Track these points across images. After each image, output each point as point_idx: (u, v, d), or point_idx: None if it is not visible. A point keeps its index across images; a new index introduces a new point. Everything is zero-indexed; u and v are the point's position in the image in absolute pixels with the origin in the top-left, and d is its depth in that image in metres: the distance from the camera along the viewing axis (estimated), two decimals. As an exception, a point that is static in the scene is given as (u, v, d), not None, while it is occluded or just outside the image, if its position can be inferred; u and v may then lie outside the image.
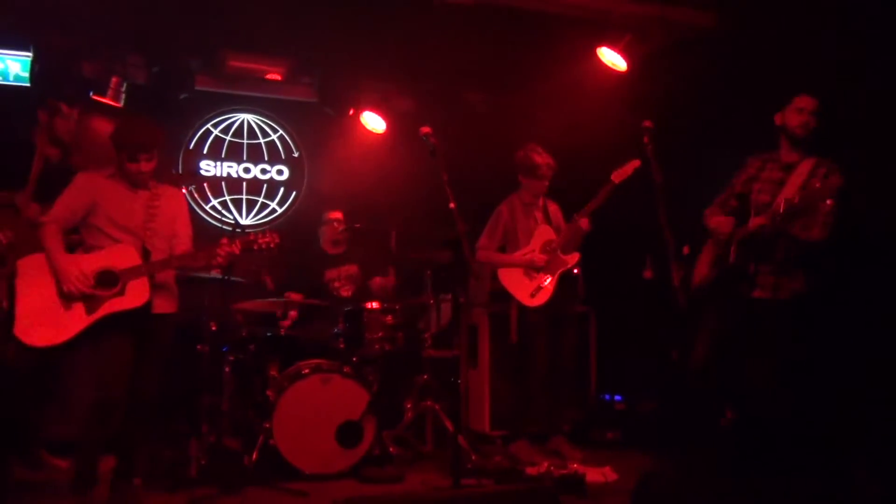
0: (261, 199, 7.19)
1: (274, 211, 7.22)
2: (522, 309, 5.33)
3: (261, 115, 7.23)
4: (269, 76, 6.68)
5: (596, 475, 4.53)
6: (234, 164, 7.11)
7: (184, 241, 4.18)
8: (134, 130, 4.03)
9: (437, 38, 5.73)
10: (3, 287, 4.31)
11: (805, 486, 3.61)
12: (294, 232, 6.32)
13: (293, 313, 5.60)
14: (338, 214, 5.99)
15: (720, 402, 4.54)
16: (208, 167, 7.01)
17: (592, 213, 5.22)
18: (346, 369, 4.94)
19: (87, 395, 3.92)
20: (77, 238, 4.06)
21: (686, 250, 4.49)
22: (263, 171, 7.19)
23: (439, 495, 4.03)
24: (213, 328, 4.84)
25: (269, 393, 4.90)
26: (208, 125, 7.04)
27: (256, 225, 7.06)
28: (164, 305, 4.09)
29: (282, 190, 7.25)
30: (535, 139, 5.49)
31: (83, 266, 3.87)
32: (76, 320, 3.82)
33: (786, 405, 4.12)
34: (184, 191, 4.47)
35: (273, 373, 5.04)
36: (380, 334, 5.20)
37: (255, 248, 4.13)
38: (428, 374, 5.42)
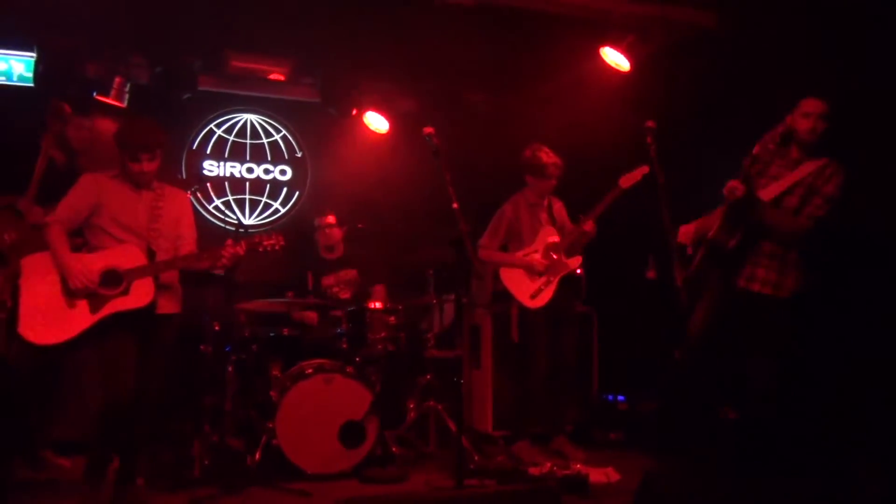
0: (264, 199, 7.20)
1: (277, 211, 7.23)
2: (523, 309, 5.31)
3: (264, 116, 7.25)
4: (271, 76, 6.68)
5: (599, 475, 4.53)
6: (237, 164, 7.12)
7: (188, 242, 4.19)
8: (136, 130, 4.03)
9: (439, 38, 5.72)
10: (6, 286, 4.33)
11: (806, 486, 3.61)
12: (297, 232, 6.32)
13: (312, 315, 5.63)
14: (330, 219, 5.87)
15: (720, 401, 4.54)
16: (211, 167, 7.03)
17: (598, 217, 5.19)
18: (348, 369, 4.95)
19: (95, 397, 3.92)
20: (80, 241, 4.07)
21: (689, 250, 4.48)
22: (266, 171, 7.21)
23: (442, 496, 4.03)
24: (217, 328, 4.86)
25: (271, 393, 4.91)
26: (211, 125, 7.06)
27: (259, 225, 7.08)
28: (168, 306, 4.10)
29: (285, 190, 7.26)
30: (536, 139, 5.45)
31: (88, 264, 3.88)
32: (80, 319, 3.83)
33: (786, 405, 4.12)
34: (190, 195, 4.47)
35: (276, 373, 5.06)
36: (383, 334, 5.20)
37: (261, 249, 4.14)
38: (430, 374, 5.43)
